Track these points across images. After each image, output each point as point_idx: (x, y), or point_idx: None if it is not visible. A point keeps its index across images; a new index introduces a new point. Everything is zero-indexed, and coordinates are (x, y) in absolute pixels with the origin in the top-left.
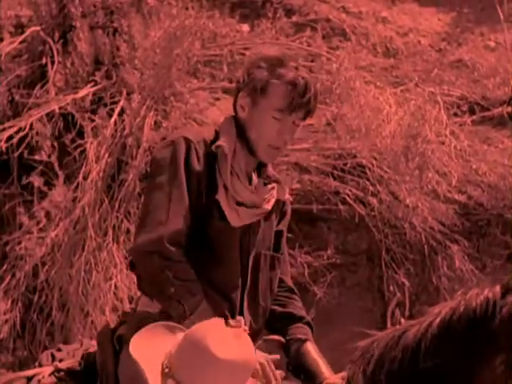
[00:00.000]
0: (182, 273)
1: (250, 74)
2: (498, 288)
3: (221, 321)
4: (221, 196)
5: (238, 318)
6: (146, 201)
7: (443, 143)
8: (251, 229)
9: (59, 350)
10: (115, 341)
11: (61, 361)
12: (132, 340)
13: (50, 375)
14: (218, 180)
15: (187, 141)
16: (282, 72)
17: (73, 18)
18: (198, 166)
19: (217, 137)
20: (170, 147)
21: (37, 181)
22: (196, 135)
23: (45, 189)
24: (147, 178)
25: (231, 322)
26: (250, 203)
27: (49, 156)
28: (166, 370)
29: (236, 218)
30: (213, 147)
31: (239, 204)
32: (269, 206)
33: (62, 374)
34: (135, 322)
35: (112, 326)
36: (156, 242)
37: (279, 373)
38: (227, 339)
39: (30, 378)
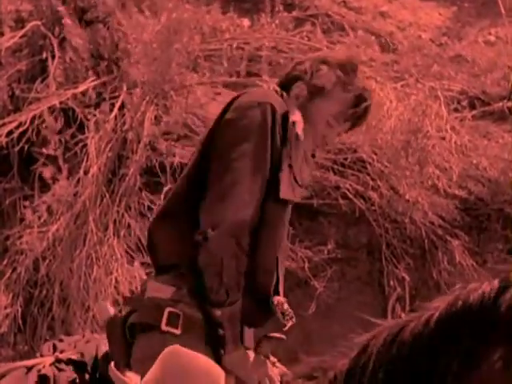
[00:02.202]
0: (242, 265)
1: (318, 70)
2: (496, 283)
3: None
4: (284, 175)
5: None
6: (228, 167)
7: (443, 138)
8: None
9: (61, 340)
10: (127, 330)
11: (62, 352)
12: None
13: (50, 365)
14: (283, 157)
15: (273, 110)
16: (350, 81)
17: (62, 15)
18: (278, 140)
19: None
20: (257, 110)
21: (48, 172)
22: (279, 105)
23: (48, 183)
24: (228, 138)
25: (275, 299)
26: (305, 184)
27: (55, 150)
28: None
29: (291, 195)
30: (290, 124)
31: (297, 183)
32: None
33: (62, 364)
34: (147, 309)
35: (121, 314)
36: (239, 227)
37: (279, 372)
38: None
39: (29, 368)
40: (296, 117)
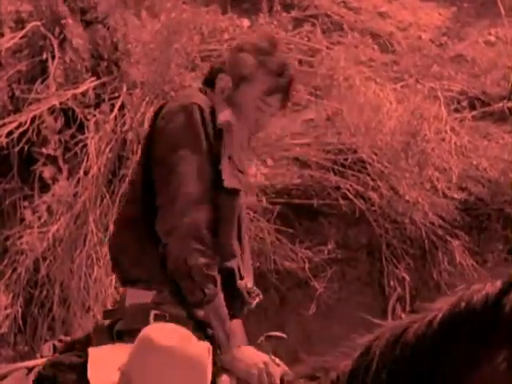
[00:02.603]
0: (211, 260)
1: (238, 59)
2: (499, 284)
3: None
4: (225, 166)
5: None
6: (170, 173)
7: (443, 139)
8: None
9: (60, 341)
10: (115, 337)
11: (62, 352)
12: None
13: (50, 366)
14: (222, 150)
15: (201, 109)
16: (270, 59)
17: (64, 14)
18: (211, 136)
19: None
20: (184, 113)
21: (47, 172)
22: (204, 103)
23: (48, 183)
24: (164, 145)
25: (238, 283)
26: (245, 171)
27: (55, 150)
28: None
29: (236, 184)
30: (219, 121)
31: (240, 172)
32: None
33: (61, 365)
34: (132, 316)
35: (106, 323)
36: (195, 226)
37: (280, 370)
38: (172, 330)
39: (30, 369)
40: (223, 112)
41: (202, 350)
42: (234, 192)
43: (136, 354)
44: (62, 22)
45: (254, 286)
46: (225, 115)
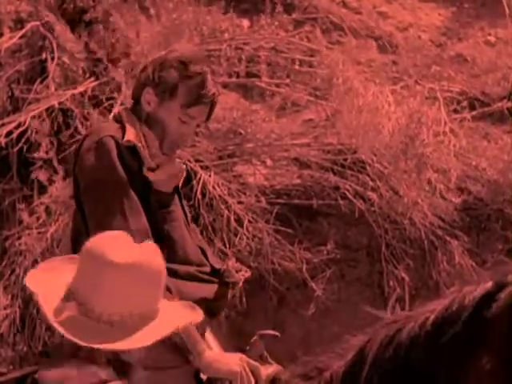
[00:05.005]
0: None
1: (161, 73)
2: (490, 285)
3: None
4: (150, 176)
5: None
6: (95, 209)
7: (442, 142)
8: (179, 196)
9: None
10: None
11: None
12: (28, 274)
13: None
14: (143, 169)
15: (114, 139)
16: (190, 74)
17: (51, 21)
18: (129, 162)
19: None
20: (96, 149)
21: (42, 176)
22: (116, 132)
23: (46, 184)
24: (84, 182)
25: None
26: (171, 168)
27: (46, 152)
28: (67, 293)
29: (168, 184)
30: (123, 142)
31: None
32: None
33: None
34: None
35: None
36: None
37: (274, 369)
38: (126, 244)
39: (26, 376)
40: (129, 135)
41: (158, 263)
42: (166, 194)
43: (88, 273)
44: (55, 27)
45: (236, 264)
46: (128, 135)
